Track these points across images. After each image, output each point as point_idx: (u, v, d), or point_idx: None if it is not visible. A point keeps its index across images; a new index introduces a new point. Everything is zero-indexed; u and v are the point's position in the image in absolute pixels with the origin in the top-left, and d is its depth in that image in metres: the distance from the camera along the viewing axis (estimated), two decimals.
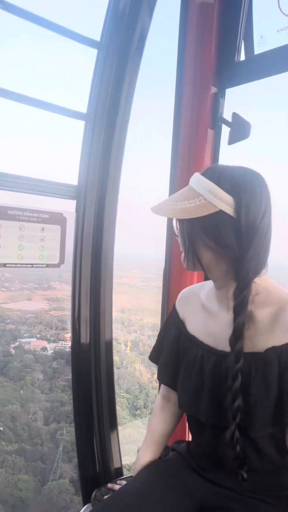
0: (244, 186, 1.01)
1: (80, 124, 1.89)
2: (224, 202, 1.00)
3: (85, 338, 1.95)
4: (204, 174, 1.07)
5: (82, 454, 1.96)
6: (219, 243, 1.02)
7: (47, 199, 1.78)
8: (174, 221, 1.14)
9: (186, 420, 1.31)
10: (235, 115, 1.80)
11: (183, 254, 1.12)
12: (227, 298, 1.09)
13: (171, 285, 2.00)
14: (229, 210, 1.00)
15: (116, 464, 1.98)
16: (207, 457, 1.20)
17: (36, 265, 1.74)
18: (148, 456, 1.33)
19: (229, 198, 1.00)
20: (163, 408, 1.38)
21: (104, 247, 1.94)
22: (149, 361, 1.40)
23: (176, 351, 1.25)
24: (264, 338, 1.02)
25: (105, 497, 1.43)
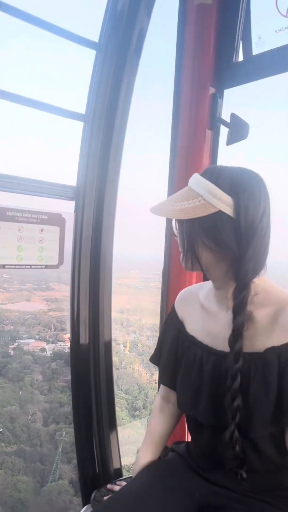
0: (243, 187, 1.02)
1: (79, 125, 1.89)
2: (223, 203, 1.01)
3: (84, 339, 1.95)
4: (203, 174, 1.07)
5: (82, 455, 1.96)
6: (219, 243, 1.03)
7: (46, 200, 1.78)
8: (174, 222, 1.14)
9: (185, 421, 1.31)
10: (233, 115, 1.80)
11: (182, 254, 1.12)
12: (226, 298, 1.09)
13: (170, 286, 2.00)
14: (228, 210, 1.01)
15: (115, 465, 1.99)
16: (206, 457, 1.20)
17: (35, 266, 1.74)
18: (147, 456, 1.33)
19: (228, 199, 1.01)
20: (162, 408, 1.38)
21: (103, 248, 1.95)
22: (148, 361, 1.40)
23: (175, 352, 1.25)
24: (263, 338, 1.02)
25: (105, 498, 1.43)
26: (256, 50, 1.77)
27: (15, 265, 1.68)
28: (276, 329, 1.01)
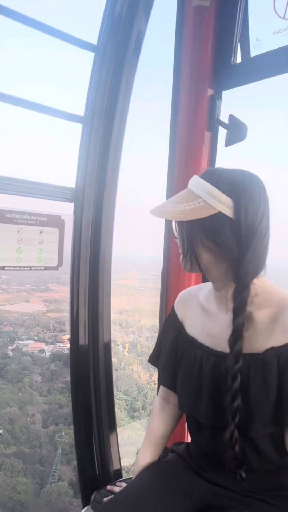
0: (242, 188, 1.02)
1: (78, 126, 1.90)
2: (223, 204, 1.01)
3: (83, 339, 1.95)
4: (202, 176, 1.08)
5: (82, 456, 1.96)
6: (218, 244, 1.03)
7: (45, 202, 1.78)
8: (173, 223, 1.15)
9: (185, 422, 1.31)
10: (231, 117, 1.80)
11: (182, 255, 1.13)
12: (226, 299, 1.10)
13: (169, 286, 2.00)
14: (228, 212, 1.01)
15: (115, 466, 1.99)
16: (206, 457, 1.20)
17: (34, 268, 1.75)
18: (147, 457, 1.33)
19: (228, 200, 1.01)
20: (162, 409, 1.38)
21: (102, 249, 1.95)
22: (147, 362, 1.41)
23: (175, 353, 1.25)
24: (263, 338, 1.03)
25: (105, 499, 1.44)
26: (254, 51, 1.77)
27: (14, 267, 1.68)
28: (276, 329, 1.02)
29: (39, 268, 1.77)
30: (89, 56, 1.85)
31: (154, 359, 1.36)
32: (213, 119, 1.86)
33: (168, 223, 1.96)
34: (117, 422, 2.07)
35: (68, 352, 2.03)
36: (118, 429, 2.06)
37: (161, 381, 1.33)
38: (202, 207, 1.03)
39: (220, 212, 1.02)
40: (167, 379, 1.28)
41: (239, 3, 1.78)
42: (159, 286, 2.06)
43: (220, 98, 1.89)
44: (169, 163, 1.99)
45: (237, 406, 1.00)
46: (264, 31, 1.74)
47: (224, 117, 1.86)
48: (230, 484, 1.14)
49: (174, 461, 1.31)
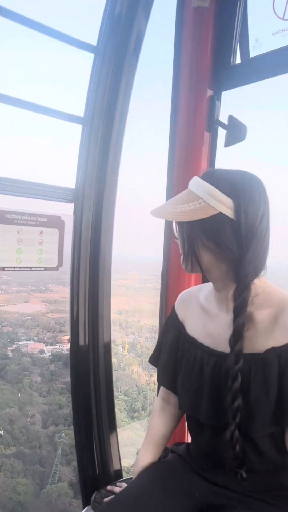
0: (243, 189, 1.03)
1: (78, 127, 1.90)
2: (224, 205, 1.02)
3: (83, 340, 1.95)
4: (203, 177, 1.08)
5: (82, 456, 1.97)
6: (219, 245, 1.03)
7: (45, 202, 1.79)
8: (174, 224, 1.15)
9: (185, 422, 1.31)
10: (231, 117, 1.81)
11: (182, 256, 1.13)
12: (226, 300, 1.10)
13: (169, 287, 2.00)
14: (229, 212, 1.02)
15: (115, 466, 1.99)
16: (206, 457, 1.21)
17: (34, 269, 1.75)
18: (147, 458, 1.34)
19: (228, 201, 1.02)
20: (162, 410, 1.38)
21: (102, 250, 1.95)
22: (147, 363, 1.41)
23: (175, 353, 1.26)
24: (264, 339, 1.03)
25: (105, 499, 1.44)
26: (253, 52, 1.78)
27: (14, 267, 1.68)
28: (276, 330, 1.02)
29: (39, 269, 1.77)
30: (89, 56, 1.86)
31: (154, 360, 1.36)
32: (213, 120, 1.87)
33: (168, 224, 1.96)
34: (117, 423, 2.08)
35: (68, 352, 2.03)
36: (118, 430, 2.06)
37: (161, 382, 1.33)
38: (203, 208, 1.03)
39: (220, 213, 1.02)
40: (168, 380, 1.29)
41: (238, 4, 1.78)
42: (158, 286, 2.06)
43: (219, 98, 1.89)
44: (169, 164, 1.99)
45: (237, 406, 1.00)
46: (263, 32, 1.75)
47: (223, 118, 1.86)
48: (230, 484, 1.14)
49: (174, 462, 1.31)
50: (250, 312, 1.03)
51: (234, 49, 1.82)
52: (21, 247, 1.68)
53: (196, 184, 1.08)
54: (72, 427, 2.00)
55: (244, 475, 1.06)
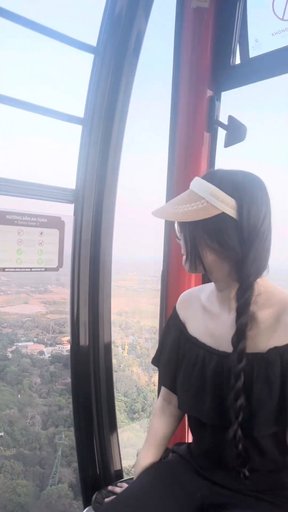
0: (244, 189, 1.03)
1: (78, 128, 1.90)
2: (226, 205, 1.02)
3: (84, 341, 1.95)
4: (204, 178, 1.08)
5: (82, 457, 1.96)
6: (222, 245, 1.04)
7: (45, 203, 1.79)
8: (176, 225, 1.15)
9: (186, 422, 1.31)
10: (231, 118, 1.81)
11: (184, 256, 1.13)
12: (229, 299, 1.10)
13: (169, 288, 2.00)
14: (231, 212, 1.02)
15: (116, 467, 1.99)
16: (208, 457, 1.21)
17: (34, 269, 1.75)
18: (148, 458, 1.33)
19: (231, 201, 1.02)
20: (163, 410, 1.38)
21: (102, 250, 1.95)
22: (146, 364, 1.41)
23: (176, 353, 1.26)
24: (266, 338, 1.03)
25: (106, 499, 1.43)
26: (253, 52, 1.78)
27: (15, 268, 1.68)
28: (279, 329, 1.02)
29: (39, 269, 1.77)
30: (89, 57, 1.86)
31: (156, 361, 1.36)
32: (213, 120, 1.87)
33: (168, 224, 1.96)
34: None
35: (68, 353, 2.03)
36: (118, 431, 2.06)
37: (162, 382, 1.33)
38: (205, 208, 1.04)
39: (223, 213, 1.02)
40: (168, 380, 1.29)
41: (238, 4, 1.79)
42: (158, 287, 2.06)
43: (219, 99, 1.90)
44: (169, 164, 1.99)
45: (240, 405, 1.00)
46: (263, 32, 1.75)
47: (223, 118, 1.87)
48: (231, 484, 1.14)
49: (175, 462, 1.31)
50: (253, 311, 1.03)
51: (234, 49, 1.82)
52: (22, 248, 1.68)
53: (198, 184, 1.08)
54: (72, 428, 2.00)
55: (247, 473, 1.06)
